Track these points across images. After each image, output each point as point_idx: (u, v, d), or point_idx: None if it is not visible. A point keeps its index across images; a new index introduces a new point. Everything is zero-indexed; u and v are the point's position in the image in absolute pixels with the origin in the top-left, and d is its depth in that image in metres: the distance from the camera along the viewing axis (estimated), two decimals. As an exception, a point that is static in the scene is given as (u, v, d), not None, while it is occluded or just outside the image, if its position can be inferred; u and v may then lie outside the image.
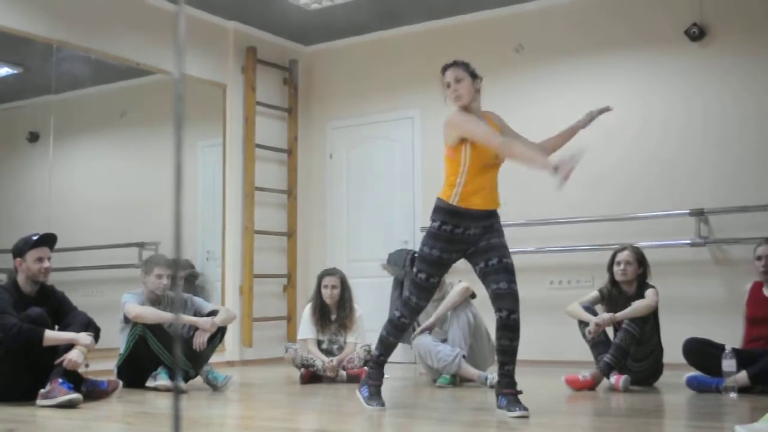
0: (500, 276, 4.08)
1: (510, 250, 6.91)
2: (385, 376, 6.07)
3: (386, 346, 4.36)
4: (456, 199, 4.10)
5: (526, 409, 3.99)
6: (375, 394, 4.29)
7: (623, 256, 5.42)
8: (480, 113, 4.24)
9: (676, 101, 6.75)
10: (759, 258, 5.22)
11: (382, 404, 4.25)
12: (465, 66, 4.22)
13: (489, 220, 4.17)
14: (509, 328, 4.09)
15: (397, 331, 4.33)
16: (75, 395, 4.46)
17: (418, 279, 4.22)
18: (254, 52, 7.83)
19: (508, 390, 4.10)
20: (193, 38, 7.28)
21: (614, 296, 5.43)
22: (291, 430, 4.00)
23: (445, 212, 4.13)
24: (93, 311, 5.05)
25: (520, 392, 4.14)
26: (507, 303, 4.07)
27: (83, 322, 4.81)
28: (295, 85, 8.23)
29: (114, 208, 7.34)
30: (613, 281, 5.47)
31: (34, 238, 4.81)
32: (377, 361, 4.37)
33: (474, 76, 4.22)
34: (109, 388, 4.85)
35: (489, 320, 5.71)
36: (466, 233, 4.13)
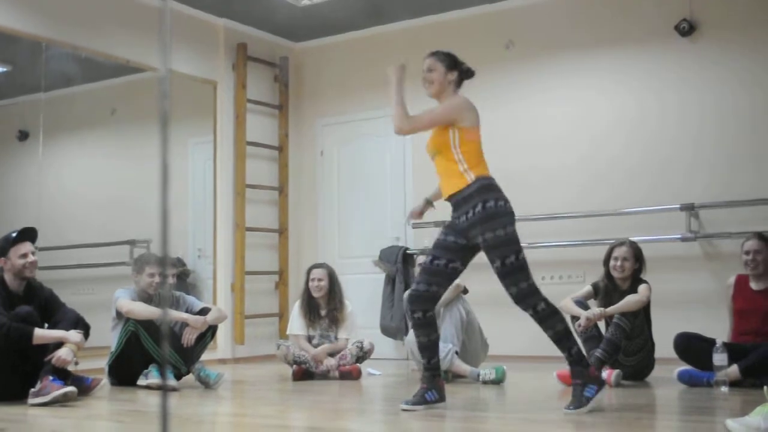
0: (502, 283, 4.07)
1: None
2: (377, 373, 6.14)
3: (419, 347, 4.27)
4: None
5: (579, 406, 3.94)
6: (415, 395, 4.20)
7: (621, 252, 5.42)
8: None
9: (666, 96, 6.75)
10: (747, 252, 5.23)
11: (413, 402, 4.15)
12: (444, 57, 4.29)
13: (462, 207, 4.13)
14: (537, 322, 4.08)
15: (417, 327, 4.24)
16: (69, 388, 4.47)
17: (423, 263, 4.30)
18: (244, 49, 7.82)
19: (574, 380, 4.04)
20: (183, 35, 7.30)
21: (609, 290, 5.43)
22: (283, 428, 4.00)
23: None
24: (84, 309, 5.05)
25: (591, 376, 4.02)
26: (519, 306, 4.08)
27: (72, 319, 4.80)
28: (285, 81, 8.22)
29: (104, 205, 7.31)
30: (608, 275, 5.47)
31: (13, 235, 4.80)
32: (425, 367, 4.25)
33: (451, 67, 4.27)
34: (92, 385, 4.84)
35: (481, 316, 5.74)
36: (458, 220, 4.18)
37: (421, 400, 4.15)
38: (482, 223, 4.05)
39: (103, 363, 5.53)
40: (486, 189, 4.10)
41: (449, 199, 4.21)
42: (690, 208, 6.44)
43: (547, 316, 4.02)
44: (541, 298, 4.03)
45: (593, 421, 4.04)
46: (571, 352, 4.02)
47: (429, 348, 4.24)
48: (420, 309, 4.21)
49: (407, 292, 5.98)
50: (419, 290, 4.21)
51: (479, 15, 7.53)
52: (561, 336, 4.03)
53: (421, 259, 5.89)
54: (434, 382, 4.21)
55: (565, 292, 5.81)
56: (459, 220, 4.17)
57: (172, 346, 5.32)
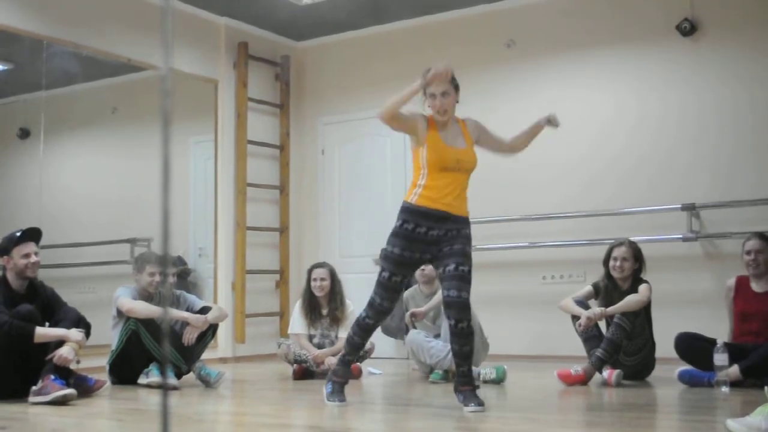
0: (452, 283, 4.09)
1: (503, 245, 7.01)
2: (378, 372, 6.14)
3: (352, 345, 4.42)
4: (415, 199, 4.18)
5: (481, 404, 4.08)
6: (337, 391, 4.38)
7: (620, 252, 5.42)
8: (453, 121, 4.27)
9: (668, 96, 6.75)
10: (748, 253, 5.23)
11: (343, 400, 4.34)
12: (453, 80, 4.22)
13: (454, 224, 4.17)
14: (458, 335, 4.14)
15: (363, 331, 4.37)
16: (69, 391, 4.46)
17: (381, 278, 4.25)
18: (246, 48, 7.82)
19: (463, 387, 4.18)
20: (184, 34, 7.29)
21: (609, 290, 5.43)
22: (283, 426, 4.00)
23: (406, 211, 4.19)
24: (85, 308, 5.05)
25: (477, 387, 4.31)
26: (454, 312, 4.10)
27: (74, 318, 4.81)
28: (286, 80, 8.22)
29: (105, 204, 7.32)
30: (608, 275, 5.47)
31: (17, 234, 4.80)
32: (343, 360, 4.45)
33: (457, 88, 4.24)
34: (95, 386, 4.84)
35: (481, 316, 5.73)
36: (429, 233, 4.14)
37: (341, 393, 4.37)
38: (466, 239, 4.19)
39: (103, 362, 5.53)
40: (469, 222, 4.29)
41: (447, 214, 4.16)
42: (691, 208, 6.44)
43: (472, 332, 4.19)
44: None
45: (594, 421, 4.05)
46: (471, 368, 4.21)
47: (358, 348, 4.44)
48: (379, 321, 4.36)
49: (407, 292, 5.97)
50: (384, 306, 4.29)
51: (480, 14, 7.53)
52: (471, 353, 4.21)
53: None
54: (347, 376, 4.46)
55: (565, 291, 5.82)
56: (434, 233, 4.15)
57: (172, 344, 5.32)
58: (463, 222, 4.22)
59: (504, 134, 4.50)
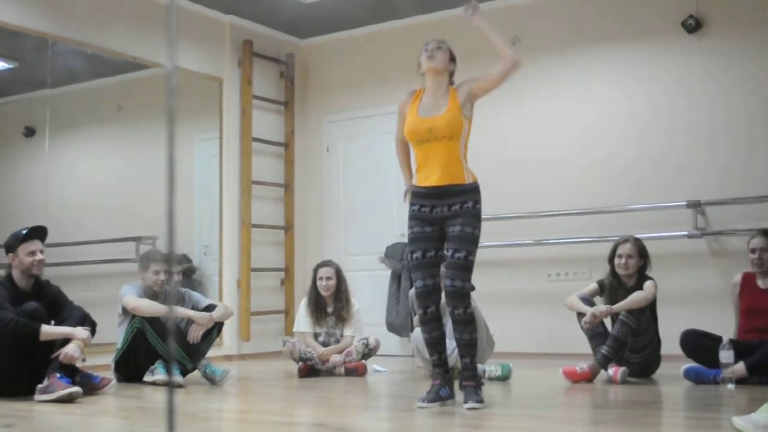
0: (447, 272, 4.14)
1: (508, 242, 6.99)
2: (383, 369, 6.14)
3: (430, 344, 4.30)
4: (416, 180, 4.28)
5: (481, 401, 4.07)
6: (430, 391, 4.23)
7: (625, 249, 5.41)
8: (444, 91, 4.28)
9: (674, 93, 6.74)
10: (753, 251, 5.23)
11: (432, 400, 4.17)
12: (448, 46, 4.38)
13: (456, 197, 4.15)
14: (456, 322, 4.16)
15: (431, 324, 4.26)
16: (75, 389, 4.47)
17: (414, 259, 4.23)
18: (250, 46, 7.82)
19: (466, 382, 4.17)
20: (189, 32, 7.30)
21: (614, 288, 5.43)
22: (289, 424, 4.00)
23: (413, 195, 4.29)
24: (90, 306, 5.05)
25: (482, 384, 4.29)
26: (449, 300, 4.14)
27: (79, 316, 4.81)
28: (291, 78, 8.22)
29: (111, 202, 7.32)
30: (613, 272, 5.46)
31: (23, 232, 4.81)
32: (436, 363, 4.29)
33: (452, 59, 4.37)
34: (101, 384, 4.85)
35: (487, 313, 5.73)
36: (433, 211, 4.19)
37: (436, 396, 4.19)
38: (468, 217, 4.14)
39: (109, 359, 5.54)
40: (478, 191, 4.21)
41: (440, 188, 4.15)
42: (696, 205, 6.43)
43: (471, 321, 4.16)
44: (471, 303, 4.16)
45: (599, 418, 4.05)
46: (473, 361, 4.18)
47: (440, 343, 4.29)
48: (433, 302, 4.24)
49: (413, 290, 5.99)
50: (428, 285, 4.22)
51: (485, 11, 7.42)
52: (473, 343, 4.18)
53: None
54: (447, 378, 4.27)
55: (571, 289, 5.80)
56: (438, 210, 4.17)
57: (178, 342, 5.33)
58: (467, 191, 4.16)
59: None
